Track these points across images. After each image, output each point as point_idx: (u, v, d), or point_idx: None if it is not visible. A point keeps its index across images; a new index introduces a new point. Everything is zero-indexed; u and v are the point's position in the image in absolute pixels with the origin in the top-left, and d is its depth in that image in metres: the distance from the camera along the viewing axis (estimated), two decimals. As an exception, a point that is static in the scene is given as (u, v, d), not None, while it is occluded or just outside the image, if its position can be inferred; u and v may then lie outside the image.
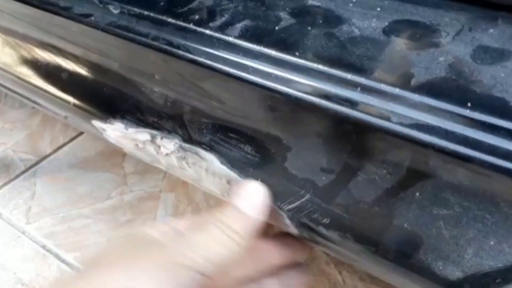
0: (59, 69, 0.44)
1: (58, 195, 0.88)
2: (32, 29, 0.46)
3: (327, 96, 0.30)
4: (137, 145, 0.41)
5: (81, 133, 1.03)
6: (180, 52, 0.35)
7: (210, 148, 0.37)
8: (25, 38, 0.46)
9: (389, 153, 0.29)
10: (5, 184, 0.90)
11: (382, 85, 0.29)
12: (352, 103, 0.29)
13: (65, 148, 0.99)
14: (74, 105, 0.44)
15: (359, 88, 0.29)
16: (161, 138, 0.39)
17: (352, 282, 0.75)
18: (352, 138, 0.30)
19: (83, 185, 0.90)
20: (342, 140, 0.30)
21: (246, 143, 0.35)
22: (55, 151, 0.98)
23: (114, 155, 0.97)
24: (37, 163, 0.95)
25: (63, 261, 0.77)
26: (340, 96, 0.29)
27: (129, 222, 0.83)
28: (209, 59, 0.34)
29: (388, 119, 0.28)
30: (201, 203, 0.87)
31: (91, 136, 0.81)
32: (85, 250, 0.78)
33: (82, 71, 0.42)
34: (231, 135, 0.36)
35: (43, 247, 0.79)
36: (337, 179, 0.32)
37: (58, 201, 0.87)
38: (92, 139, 1.01)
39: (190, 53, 0.34)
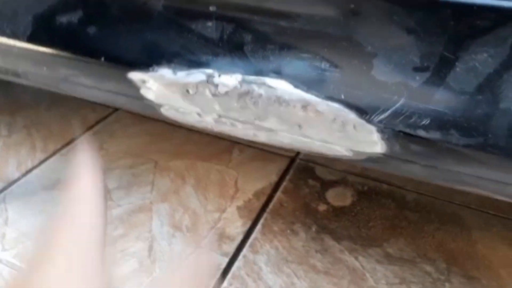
0: (85, 22, 0.40)
1: (35, 218, 0.79)
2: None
3: (419, -13, 0.30)
4: (187, 91, 0.38)
5: (52, 155, 0.94)
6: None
7: (279, 74, 0.35)
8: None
9: (491, 32, 0.29)
10: (-31, 214, 0.80)
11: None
12: (447, -11, 0.29)
13: (36, 171, 0.90)
14: (105, 60, 0.40)
15: (450, -24, 0.29)
16: (219, 76, 0.36)
17: (370, 266, 0.72)
18: (448, 25, 0.30)
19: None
20: (437, 31, 0.30)
21: (323, 60, 0.33)
22: (24, 175, 0.89)
23: (93, 173, 0.89)
24: (4, 188, 0.85)
25: (53, 284, 0.67)
26: (433, -16, 0.29)
27: (122, 236, 0.76)
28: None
29: (488, -3, 0.28)
30: (198, 209, 0.82)
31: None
32: (77, 271, 0.69)
33: (117, 20, 0.39)
34: (304, 54, 0.34)
35: (27, 273, 0.69)
36: (433, 75, 0.31)
37: (37, 224, 0.77)
38: (64, 160, 0.93)
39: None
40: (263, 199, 0.85)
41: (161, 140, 1.01)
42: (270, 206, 0.84)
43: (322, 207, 0.84)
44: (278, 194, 0.87)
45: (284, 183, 0.90)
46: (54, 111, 1.10)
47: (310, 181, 0.91)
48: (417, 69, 0.31)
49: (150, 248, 0.74)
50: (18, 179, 0.88)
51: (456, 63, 0.30)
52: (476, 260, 0.74)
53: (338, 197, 0.87)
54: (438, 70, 0.31)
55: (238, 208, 0.83)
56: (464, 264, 0.74)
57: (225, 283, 0.69)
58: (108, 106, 1.11)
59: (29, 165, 0.92)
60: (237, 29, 0.36)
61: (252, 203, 0.84)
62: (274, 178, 0.91)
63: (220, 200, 0.84)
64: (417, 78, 0.31)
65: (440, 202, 0.87)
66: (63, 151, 0.96)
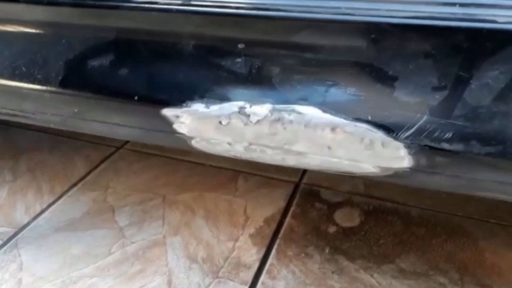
0: (117, 64, 0.43)
1: (50, 261, 0.79)
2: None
3: (433, 17, 0.33)
4: (220, 122, 0.41)
5: (60, 197, 0.95)
6: (270, 11, 0.37)
7: (307, 100, 0.38)
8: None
9: (499, 52, 0.33)
10: (-18, 262, 0.79)
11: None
12: (458, 17, 0.33)
13: (45, 214, 0.90)
14: (139, 100, 0.43)
15: (457, 5, 0.33)
16: (250, 106, 0.39)
17: (386, 282, 0.74)
18: (462, 49, 0.33)
19: (77, 245, 0.82)
20: (452, 55, 0.34)
21: (348, 85, 0.37)
22: (34, 218, 0.89)
23: (103, 212, 0.90)
24: (15, 234, 0.85)
25: (76, 325, 0.67)
26: (445, 13, 0.33)
27: (140, 272, 0.76)
28: (302, 11, 0.36)
29: (494, 21, 0.32)
30: (211, 240, 0.83)
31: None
32: (98, 310, 0.70)
33: (149, 60, 0.42)
34: (330, 82, 0.37)
35: (48, 316, 0.69)
36: (451, 93, 0.34)
37: (52, 267, 0.77)
38: (73, 201, 0.94)
39: (281, 10, 0.37)
40: (273, 225, 0.87)
41: (166, 174, 1.02)
42: (282, 231, 0.86)
43: (332, 229, 0.86)
44: (288, 219, 0.89)
45: (292, 208, 0.92)
46: (57, 152, 1.11)
47: (317, 204, 0.93)
48: (436, 89, 0.34)
49: (169, 282, 0.74)
50: (28, 223, 0.88)
51: (471, 81, 0.34)
52: (486, 268, 0.77)
53: (346, 217, 0.89)
54: (455, 88, 0.34)
55: (251, 235, 0.85)
56: (475, 273, 0.76)
57: (247, 311, 0.70)
58: (110, 145, 1.12)
59: (38, 208, 0.92)
60: (265, 63, 0.39)
61: (263, 229, 0.86)
62: (281, 203, 0.93)
63: (232, 229, 0.86)
64: (437, 96, 0.34)
65: (443, 215, 0.90)
66: (71, 192, 0.97)
